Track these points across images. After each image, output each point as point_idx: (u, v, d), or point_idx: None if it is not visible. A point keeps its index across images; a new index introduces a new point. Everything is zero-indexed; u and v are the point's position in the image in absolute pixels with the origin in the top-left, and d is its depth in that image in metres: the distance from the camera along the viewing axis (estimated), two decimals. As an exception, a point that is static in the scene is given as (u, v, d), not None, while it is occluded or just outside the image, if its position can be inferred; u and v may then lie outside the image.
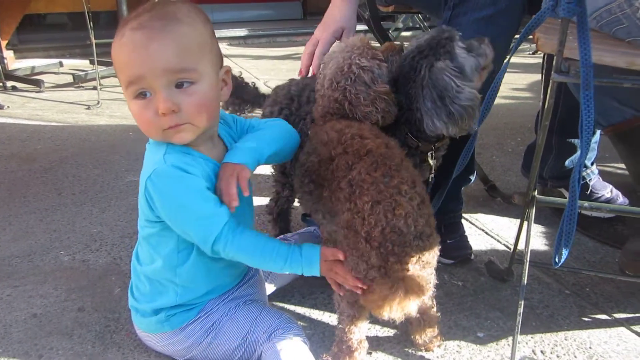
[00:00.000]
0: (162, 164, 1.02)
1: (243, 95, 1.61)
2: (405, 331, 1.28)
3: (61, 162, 2.42)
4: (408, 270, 0.98)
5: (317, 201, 1.19)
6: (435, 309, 1.21)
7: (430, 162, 1.38)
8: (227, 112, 1.43)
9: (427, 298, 1.15)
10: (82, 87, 3.84)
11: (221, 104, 1.23)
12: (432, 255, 1.03)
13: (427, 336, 1.23)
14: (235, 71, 1.38)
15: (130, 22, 0.99)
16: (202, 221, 1.03)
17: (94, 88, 3.55)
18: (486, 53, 1.27)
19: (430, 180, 1.41)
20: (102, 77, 3.83)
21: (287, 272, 1.13)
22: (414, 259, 0.99)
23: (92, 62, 3.78)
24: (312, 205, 1.23)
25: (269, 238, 1.10)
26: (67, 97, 3.59)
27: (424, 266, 1.01)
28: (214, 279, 1.18)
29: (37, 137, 2.77)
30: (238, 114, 1.64)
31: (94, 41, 3.43)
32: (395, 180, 1.01)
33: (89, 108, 3.31)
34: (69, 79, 3.92)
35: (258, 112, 1.63)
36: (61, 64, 4.34)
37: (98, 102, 3.37)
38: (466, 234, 1.70)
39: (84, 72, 3.93)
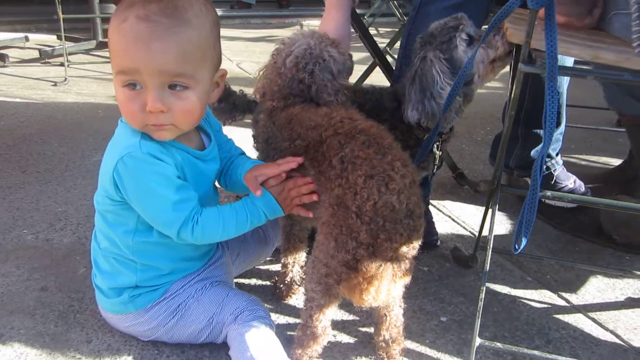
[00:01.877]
0: (137, 149, 1.01)
1: (234, 100, 1.59)
2: (369, 315, 1.30)
3: (25, 140, 2.36)
4: (397, 249, 0.97)
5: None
6: (402, 310, 1.17)
7: (436, 152, 1.40)
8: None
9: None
10: (49, 63, 3.74)
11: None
12: (419, 239, 1.02)
13: (391, 337, 1.18)
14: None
15: (136, 6, 0.95)
16: (171, 207, 1.03)
17: (61, 64, 3.46)
18: (497, 45, 1.27)
19: (434, 171, 1.43)
20: (70, 54, 3.73)
21: (255, 227, 1.15)
22: (404, 239, 0.97)
23: (59, 38, 3.67)
24: None
25: (225, 206, 1.11)
26: (33, 72, 3.49)
27: (411, 249, 1.00)
28: (175, 258, 1.17)
29: (0, 113, 2.69)
30: (229, 121, 1.62)
31: (61, 16, 3.33)
32: (388, 157, 1.00)
33: (55, 85, 3.23)
34: (35, 54, 3.80)
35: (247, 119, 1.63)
36: (27, 39, 4.21)
37: (65, 79, 3.28)
38: (433, 220, 1.73)
39: (50, 48, 3.82)
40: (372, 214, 0.95)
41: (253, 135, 1.50)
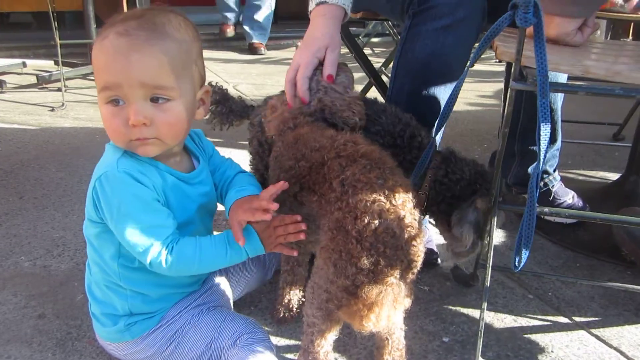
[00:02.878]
0: (113, 168, 1.01)
1: (231, 105, 1.59)
2: (372, 337, 1.29)
3: (23, 165, 2.36)
4: (397, 276, 0.95)
5: (301, 209, 1.16)
6: (403, 332, 1.15)
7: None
8: (214, 124, 1.46)
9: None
10: (46, 88, 3.75)
11: (206, 117, 1.22)
12: (420, 262, 1.00)
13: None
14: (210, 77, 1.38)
15: (116, 25, 0.97)
16: (144, 232, 1.02)
17: (59, 89, 3.47)
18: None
19: None
20: (67, 79, 3.75)
21: (233, 264, 1.13)
22: (404, 265, 0.96)
23: (56, 63, 3.69)
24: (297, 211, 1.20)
25: (205, 239, 1.09)
26: (30, 98, 3.50)
27: (411, 275, 0.99)
28: (162, 284, 1.15)
29: (-2, 139, 2.70)
30: (226, 125, 1.62)
31: (58, 42, 3.35)
32: (390, 182, 1.00)
33: (53, 110, 3.23)
34: (33, 79, 3.82)
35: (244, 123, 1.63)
36: (24, 64, 4.23)
37: (63, 104, 3.29)
38: (432, 239, 1.72)
39: (48, 73, 3.83)
40: (373, 240, 0.94)
41: (248, 139, 1.51)
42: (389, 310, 0.94)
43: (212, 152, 1.26)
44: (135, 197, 1.02)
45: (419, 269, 1.01)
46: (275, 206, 1.04)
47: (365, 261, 0.94)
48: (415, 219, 0.99)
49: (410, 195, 1.01)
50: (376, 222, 0.94)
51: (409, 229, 0.97)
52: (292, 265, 1.34)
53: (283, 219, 1.10)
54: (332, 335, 1.10)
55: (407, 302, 0.98)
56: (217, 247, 1.08)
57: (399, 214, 0.96)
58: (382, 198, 0.97)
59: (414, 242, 0.97)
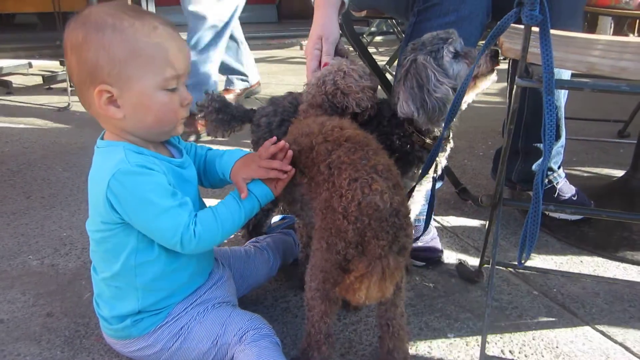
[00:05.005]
0: (126, 164, 1.04)
1: (232, 111, 1.60)
2: (378, 334, 1.30)
3: (30, 165, 2.38)
4: (385, 246, 0.99)
5: (295, 190, 1.22)
6: (405, 318, 1.18)
7: (438, 160, 1.41)
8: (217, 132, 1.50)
9: (397, 304, 1.15)
10: (52, 88, 3.78)
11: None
12: (408, 239, 1.04)
13: (395, 347, 1.18)
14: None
15: (146, 16, 1.05)
16: (171, 214, 1.05)
17: (64, 90, 3.49)
18: (480, 63, 1.30)
19: (436, 178, 1.44)
20: (73, 79, 3.77)
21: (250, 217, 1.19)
22: (390, 236, 1.00)
23: (62, 64, 3.72)
24: (291, 195, 1.24)
25: (216, 205, 1.14)
26: (37, 98, 3.52)
27: (400, 250, 1.02)
28: (175, 279, 1.16)
29: (4, 140, 2.72)
30: (228, 132, 1.63)
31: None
32: (372, 161, 1.06)
33: (59, 110, 3.26)
34: (39, 80, 3.85)
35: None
36: (30, 65, 4.26)
37: (68, 104, 3.31)
38: (437, 236, 1.73)
39: (54, 74, 3.86)
40: (357, 214, 1.00)
41: (252, 141, 1.53)
42: (379, 281, 0.97)
43: (178, 139, 1.28)
44: (155, 184, 1.05)
45: (409, 246, 1.06)
46: (291, 169, 1.16)
47: (352, 234, 1.00)
48: (398, 195, 1.04)
49: (393, 172, 1.07)
50: (359, 197, 1.00)
51: (392, 202, 1.02)
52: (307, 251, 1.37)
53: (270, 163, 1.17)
54: (332, 318, 1.14)
55: (397, 276, 1.01)
56: (230, 206, 1.14)
57: (381, 188, 1.01)
58: (364, 175, 1.03)
59: (398, 215, 1.02)
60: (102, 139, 1.14)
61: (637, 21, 4.54)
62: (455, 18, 1.42)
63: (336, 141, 1.12)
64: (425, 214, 1.66)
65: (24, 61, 4.34)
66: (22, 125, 2.95)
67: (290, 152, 1.17)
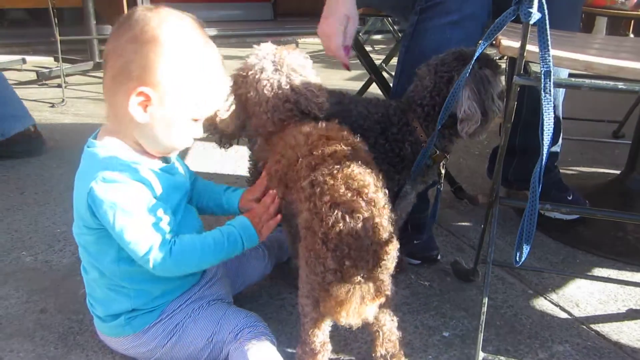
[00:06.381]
0: (109, 170, 1.01)
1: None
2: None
3: (24, 161, 2.36)
4: (364, 275, 0.97)
5: (285, 205, 1.20)
6: (395, 323, 1.16)
7: (442, 170, 1.42)
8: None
9: (385, 310, 1.13)
10: (46, 84, 3.75)
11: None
12: (390, 261, 1.01)
13: (388, 352, 1.17)
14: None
15: (197, 28, 1.05)
16: (145, 230, 1.02)
17: (59, 86, 3.47)
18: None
19: (440, 187, 1.44)
20: (67, 75, 3.75)
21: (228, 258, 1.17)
22: (370, 265, 0.98)
23: (56, 60, 3.69)
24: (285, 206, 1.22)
25: (203, 234, 1.12)
26: (31, 94, 3.49)
27: (382, 271, 1.00)
28: (165, 281, 1.15)
29: (-2, 135, 2.69)
30: (235, 141, 1.62)
31: (58, 38, 3.35)
32: (356, 184, 1.00)
33: (53, 106, 3.24)
34: (33, 76, 3.82)
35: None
36: (24, 61, 4.23)
37: (63, 100, 3.29)
38: (433, 234, 1.73)
39: (48, 70, 3.84)
40: (337, 242, 0.96)
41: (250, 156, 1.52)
42: (358, 307, 0.96)
43: None
44: (135, 195, 1.02)
45: (392, 265, 1.03)
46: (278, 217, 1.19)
47: (331, 262, 0.97)
48: (383, 220, 1.00)
49: (379, 194, 1.02)
50: (340, 225, 0.96)
51: (375, 230, 0.98)
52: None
53: (265, 201, 1.19)
54: (326, 325, 1.12)
55: (379, 299, 1.00)
56: (216, 241, 1.11)
57: (364, 216, 0.97)
58: (347, 200, 0.98)
59: (380, 243, 0.99)
60: (94, 138, 1.11)
61: (632, 22, 4.56)
62: (458, 17, 1.42)
63: (320, 155, 1.07)
64: (417, 212, 1.67)
65: (18, 57, 4.31)
66: (16, 121, 2.93)
67: (277, 200, 1.18)
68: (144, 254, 1.02)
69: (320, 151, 1.08)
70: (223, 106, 1.36)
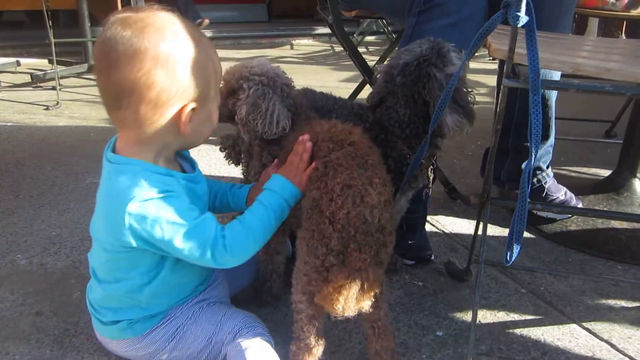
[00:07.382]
0: (146, 190, 1.00)
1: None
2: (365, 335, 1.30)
3: (18, 164, 2.36)
4: (366, 260, 0.99)
5: None
6: (390, 318, 1.17)
7: (430, 175, 1.43)
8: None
9: (380, 305, 1.13)
10: (41, 87, 3.75)
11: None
12: (387, 254, 1.04)
13: (382, 348, 1.17)
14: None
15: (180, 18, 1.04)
16: (196, 230, 1.02)
17: (53, 88, 3.47)
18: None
19: (429, 193, 1.45)
20: (62, 77, 3.75)
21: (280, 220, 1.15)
22: (373, 251, 1.00)
23: (51, 62, 3.69)
24: None
25: (244, 215, 1.12)
26: (25, 97, 3.49)
27: (379, 264, 1.02)
28: (178, 293, 1.16)
29: (-8, 138, 2.70)
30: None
31: (53, 40, 3.35)
32: (369, 172, 1.04)
33: (47, 109, 3.23)
34: (27, 78, 3.82)
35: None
36: (18, 63, 4.23)
37: (57, 103, 3.29)
38: (426, 235, 1.74)
39: (42, 72, 3.83)
40: (345, 223, 0.98)
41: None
42: (356, 293, 0.98)
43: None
44: (177, 205, 1.02)
45: (387, 261, 1.05)
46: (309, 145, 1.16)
47: (336, 242, 0.98)
48: (387, 212, 1.03)
49: (387, 188, 1.06)
50: (350, 206, 0.99)
51: (381, 218, 1.01)
52: (270, 254, 1.38)
53: (297, 150, 1.16)
54: (321, 321, 1.13)
55: (375, 290, 1.02)
56: (255, 212, 1.12)
57: (373, 202, 1.00)
58: (359, 185, 1.01)
59: (384, 231, 1.02)
60: (112, 150, 1.07)
61: (624, 22, 4.58)
62: (457, 19, 1.43)
63: (340, 142, 1.10)
64: (412, 212, 1.68)
65: (12, 59, 4.30)
66: (10, 124, 2.93)
67: (309, 144, 1.16)
68: (203, 252, 1.03)
69: (340, 139, 1.11)
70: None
